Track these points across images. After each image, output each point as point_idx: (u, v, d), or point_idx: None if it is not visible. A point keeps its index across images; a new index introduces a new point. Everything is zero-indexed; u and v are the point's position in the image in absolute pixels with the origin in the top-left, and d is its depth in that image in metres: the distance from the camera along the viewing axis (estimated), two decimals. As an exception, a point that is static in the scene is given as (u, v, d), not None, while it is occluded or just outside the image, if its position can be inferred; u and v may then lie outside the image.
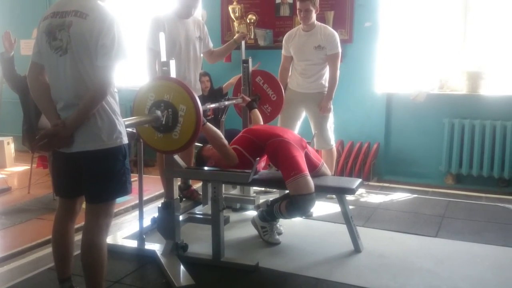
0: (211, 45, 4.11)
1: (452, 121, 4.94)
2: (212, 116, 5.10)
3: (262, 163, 3.48)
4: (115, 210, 2.57)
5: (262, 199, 4.11)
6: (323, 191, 3.35)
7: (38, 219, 4.09)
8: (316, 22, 4.29)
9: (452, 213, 4.13)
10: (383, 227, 3.80)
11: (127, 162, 2.37)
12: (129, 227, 3.81)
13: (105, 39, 2.17)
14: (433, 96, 5.01)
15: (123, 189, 2.36)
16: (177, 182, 3.35)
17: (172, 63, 3.00)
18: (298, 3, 4.20)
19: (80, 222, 2.50)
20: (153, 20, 3.71)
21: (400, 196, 4.67)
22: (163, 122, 2.80)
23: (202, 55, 4.06)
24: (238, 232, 3.65)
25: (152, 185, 4.67)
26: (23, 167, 5.77)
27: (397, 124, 5.24)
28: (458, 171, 4.99)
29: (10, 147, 6.02)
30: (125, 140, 2.34)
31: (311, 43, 4.26)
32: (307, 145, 3.50)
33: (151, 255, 3.22)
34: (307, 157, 3.34)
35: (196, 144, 3.64)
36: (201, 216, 3.67)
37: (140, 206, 3.34)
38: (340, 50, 4.31)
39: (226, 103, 3.98)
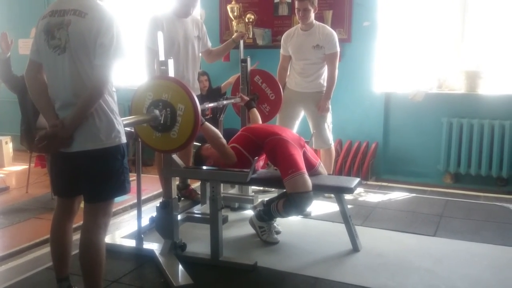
0: (209, 44, 4.11)
1: (451, 120, 4.94)
2: (211, 115, 5.09)
3: (260, 162, 3.48)
4: (113, 210, 2.57)
5: (260, 199, 4.10)
6: (322, 190, 3.35)
7: (36, 218, 4.09)
8: (314, 21, 4.29)
9: (451, 212, 4.13)
10: (381, 226, 3.80)
11: (125, 162, 2.37)
12: (127, 226, 3.81)
13: (104, 38, 2.17)
14: (431, 95, 5.01)
15: (122, 189, 2.36)
16: (176, 182, 3.34)
17: (171, 62, 3.00)
18: (296, 3, 4.20)
19: (78, 221, 2.50)
20: (151, 20, 3.70)
21: (398, 195, 4.67)
22: (161, 122, 2.79)
23: (200, 54, 4.06)
24: (236, 231, 3.65)
25: (151, 185, 4.66)
26: (21, 167, 5.76)
27: (396, 124, 5.24)
28: (457, 170, 4.99)
29: (8, 146, 6.01)
30: (124, 140, 2.34)
31: (309, 42, 4.26)
32: (306, 145, 3.50)
33: (150, 254, 3.22)
34: (305, 157, 3.35)
35: (195, 143, 3.64)
36: (200, 216, 3.67)
37: (138, 205, 3.34)
38: (338, 49, 4.31)
39: (225, 102, 3.97)
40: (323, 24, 4.42)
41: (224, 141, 3.25)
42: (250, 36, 5.47)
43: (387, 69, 5.20)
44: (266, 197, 4.01)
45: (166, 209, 3.15)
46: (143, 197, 3.68)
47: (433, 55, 5.08)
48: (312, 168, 3.42)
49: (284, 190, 3.31)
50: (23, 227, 3.90)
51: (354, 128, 5.29)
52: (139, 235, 3.33)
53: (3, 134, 6.13)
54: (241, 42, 4.27)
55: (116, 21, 2.22)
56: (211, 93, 5.24)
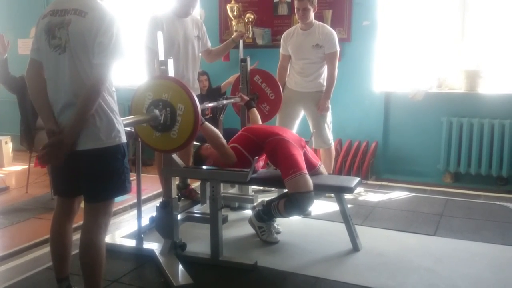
0: (209, 44, 4.11)
1: (451, 119, 4.94)
2: (210, 115, 5.09)
3: (260, 162, 3.48)
4: (113, 209, 2.57)
5: (260, 198, 4.10)
6: (322, 189, 3.35)
7: (36, 218, 4.08)
8: (314, 21, 4.29)
9: (451, 212, 4.13)
10: (381, 226, 3.80)
11: (126, 161, 2.37)
12: (127, 226, 3.80)
13: (103, 37, 2.17)
14: (431, 94, 5.01)
15: (122, 188, 2.36)
16: (176, 181, 3.34)
17: (170, 62, 3.00)
18: (296, 2, 4.20)
19: (78, 221, 2.50)
20: (151, 19, 3.70)
21: (398, 194, 4.67)
22: (161, 121, 2.79)
23: (200, 54, 4.06)
24: (236, 231, 3.65)
25: (150, 184, 4.66)
26: (21, 167, 5.76)
27: (396, 123, 5.24)
28: (457, 170, 4.99)
29: (8, 146, 6.01)
30: (124, 139, 2.33)
31: (309, 42, 4.26)
32: (306, 145, 3.49)
33: (150, 254, 3.22)
34: (306, 157, 3.34)
35: (195, 143, 3.63)
36: (200, 215, 3.67)
37: (138, 205, 3.34)
38: (338, 48, 4.31)
39: (225, 102, 3.97)
40: (322, 24, 4.42)
41: (224, 141, 3.25)
42: (250, 35, 5.47)
43: (387, 68, 5.20)
44: (266, 197, 4.01)
45: (166, 208, 3.15)
46: (143, 197, 3.68)
47: (433, 54, 5.08)
48: (313, 169, 3.41)
49: (285, 191, 3.31)
50: (23, 227, 3.90)
51: (354, 128, 5.29)
52: (139, 235, 3.33)
53: (2, 134, 6.13)
54: (241, 41, 4.26)
55: (117, 20, 2.22)
56: (211, 93, 5.24)
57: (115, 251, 3.25)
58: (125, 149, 2.34)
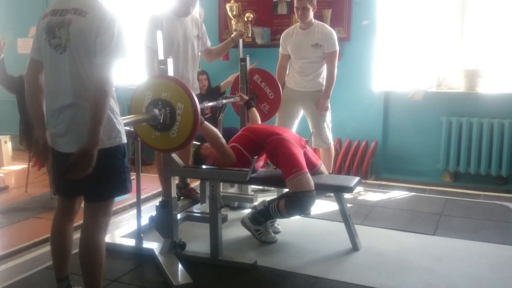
0: (209, 43, 4.11)
1: (450, 119, 4.94)
2: (210, 114, 5.09)
3: (260, 162, 3.48)
4: (113, 209, 2.57)
5: (260, 197, 4.10)
6: (321, 189, 3.35)
7: (36, 218, 4.08)
8: (313, 20, 4.29)
9: (450, 211, 4.13)
10: (381, 225, 3.80)
11: (126, 161, 2.37)
12: (127, 225, 3.80)
13: (104, 36, 2.16)
14: (430, 94, 5.01)
15: (123, 188, 2.36)
16: (175, 181, 3.34)
17: (170, 62, 2.99)
18: (295, 1, 4.20)
19: (78, 220, 2.50)
20: (151, 19, 3.70)
21: (398, 194, 4.67)
22: (161, 121, 2.79)
23: (200, 53, 4.06)
24: (236, 230, 3.65)
25: (150, 184, 4.66)
26: (20, 166, 5.76)
27: (395, 122, 5.24)
28: (456, 169, 4.99)
29: (7, 145, 6.01)
30: (124, 140, 2.33)
31: (308, 41, 4.26)
32: (306, 145, 3.49)
33: (149, 253, 3.22)
34: (306, 157, 3.34)
35: (194, 142, 3.63)
36: (199, 215, 3.67)
37: (138, 204, 3.34)
38: (337, 48, 4.31)
39: (224, 101, 3.97)
40: (322, 23, 4.42)
41: (223, 140, 3.24)
42: (249, 35, 5.47)
43: (387, 68, 5.20)
44: (265, 196, 4.01)
45: (166, 208, 3.15)
46: (142, 196, 3.68)
47: (432, 54, 5.08)
48: (313, 168, 3.41)
49: (284, 190, 3.30)
50: (22, 227, 3.90)
51: (353, 127, 5.29)
52: (139, 234, 3.33)
53: (2, 134, 6.13)
54: (240, 41, 4.26)
55: (117, 19, 2.21)
56: (211, 92, 5.24)
57: (114, 250, 3.24)
58: (125, 149, 2.34)
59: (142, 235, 3.35)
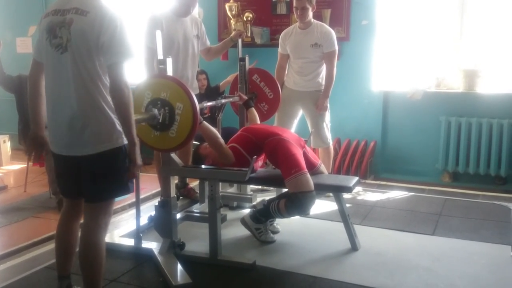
0: (208, 43, 4.11)
1: (449, 119, 4.94)
2: (209, 114, 5.10)
3: (259, 162, 3.48)
4: (113, 209, 2.57)
5: (259, 197, 4.10)
6: (320, 189, 3.35)
7: (35, 217, 4.08)
8: (312, 20, 4.29)
9: (449, 211, 4.13)
10: (380, 225, 3.80)
11: (127, 161, 2.36)
12: (126, 225, 3.80)
13: (107, 36, 2.16)
14: (430, 94, 5.01)
15: (124, 188, 2.36)
16: (174, 181, 3.34)
17: (169, 61, 2.99)
18: (294, 1, 4.20)
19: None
20: (150, 19, 3.70)
21: (397, 194, 4.68)
22: (160, 120, 2.79)
23: (199, 52, 4.06)
24: (235, 230, 3.65)
25: (149, 184, 4.65)
26: (19, 165, 5.75)
27: (394, 122, 5.24)
28: (455, 169, 4.99)
29: (6, 145, 6.00)
30: (125, 141, 2.32)
31: (307, 41, 4.26)
32: (305, 145, 3.49)
33: (148, 253, 3.22)
34: (305, 157, 3.34)
35: (194, 142, 3.64)
36: (198, 215, 3.66)
37: (137, 204, 3.33)
38: (336, 48, 4.31)
39: (223, 101, 3.97)
40: (321, 23, 4.42)
41: (222, 141, 3.24)
42: (249, 34, 5.47)
43: (386, 67, 5.20)
44: (264, 196, 4.01)
45: (165, 208, 3.15)
46: (141, 196, 3.68)
47: (432, 53, 5.08)
48: (313, 168, 3.42)
49: (283, 190, 3.30)
50: (21, 226, 3.90)
51: (352, 127, 5.29)
52: (138, 234, 3.33)
53: (1, 133, 6.12)
54: (239, 40, 4.26)
55: (119, 19, 2.21)
56: (210, 92, 5.24)
57: (114, 250, 3.24)
58: (126, 149, 2.34)
59: (141, 235, 3.35)
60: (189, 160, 3.88)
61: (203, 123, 3.11)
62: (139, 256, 3.24)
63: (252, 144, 3.33)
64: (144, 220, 3.45)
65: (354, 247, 3.31)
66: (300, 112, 4.50)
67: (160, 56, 3.02)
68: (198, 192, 4.00)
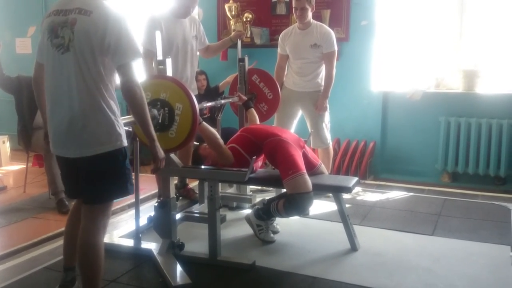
0: (207, 42, 4.12)
1: (448, 119, 4.94)
2: (209, 114, 5.10)
3: (259, 162, 3.48)
4: (112, 209, 2.57)
5: (258, 198, 4.10)
6: (320, 189, 3.35)
7: (34, 218, 4.08)
8: (312, 20, 4.29)
9: (448, 211, 4.13)
10: (379, 226, 3.80)
11: (127, 163, 2.36)
12: (125, 226, 3.80)
13: (111, 37, 2.16)
14: (429, 94, 5.01)
15: (124, 190, 2.36)
16: (174, 181, 3.34)
17: (169, 62, 2.99)
18: (294, 2, 4.20)
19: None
20: (149, 20, 3.69)
21: (396, 194, 4.68)
22: (160, 121, 2.79)
23: (198, 52, 4.06)
24: (234, 231, 3.65)
25: (148, 184, 4.65)
26: (18, 166, 5.75)
27: (394, 123, 5.24)
28: (454, 169, 4.99)
29: (5, 146, 6.00)
30: (125, 143, 2.32)
31: (307, 41, 4.26)
32: (305, 145, 3.49)
33: (148, 254, 3.22)
34: (305, 157, 3.34)
35: (194, 143, 3.63)
36: (198, 215, 3.66)
37: (136, 205, 3.33)
38: (336, 48, 4.31)
39: (223, 101, 3.97)
40: (320, 23, 4.42)
41: (221, 141, 3.24)
42: (248, 35, 5.47)
43: (385, 68, 5.20)
44: (264, 197, 4.01)
45: (164, 208, 3.15)
46: (141, 197, 3.68)
47: (431, 54, 5.08)
48: (313, 168, 3.42)
49: (283, 191, 3.30)
50: (20, 227, 3.89)
51: (352, 127, 5.29)
52: (137, 235, 3.33)
53: (0, 134, 6.12)
54: (239, 41, 4.27)
55: (123, 19, 2.22)
56: (209, 92, 5.24)
57: (113, 251, 3.24)
58: (126, 151, 2.34)
59: (140, 235, 3.34)
60: (189, 161, 3.87)
61: (202, 123, 3.11)
62: (139, 257, 3.24)
63: (252, 145, 3.33)
64: (143, 221, 3.44)
65: (353, 248, 3.31)
66: (300, 113, 4.50)
67: (159, 56, 3.01)
68: (197, 192, 4.00)
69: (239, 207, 4.16)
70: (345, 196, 3.71)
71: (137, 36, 2.32)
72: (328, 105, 4.37)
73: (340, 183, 3.37)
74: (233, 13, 5.51)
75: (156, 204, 3.20)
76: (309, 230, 3.71)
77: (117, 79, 2.28)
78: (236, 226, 3.74)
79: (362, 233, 3.50)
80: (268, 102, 4.29)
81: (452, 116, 4.93)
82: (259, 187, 4.47)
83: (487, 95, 4.81)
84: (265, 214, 3.39)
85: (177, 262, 3.06)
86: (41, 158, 4.85)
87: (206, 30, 4.09)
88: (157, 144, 2.39)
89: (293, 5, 4.22)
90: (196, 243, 3.35)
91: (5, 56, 4.24)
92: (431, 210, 4.16)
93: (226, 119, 4.57)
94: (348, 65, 5.11)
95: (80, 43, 2.17)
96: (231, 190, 4.38)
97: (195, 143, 3.70)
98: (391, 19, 5.15)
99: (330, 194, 3.81)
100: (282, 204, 3.19)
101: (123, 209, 4.21)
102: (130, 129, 2.97)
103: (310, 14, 4.22)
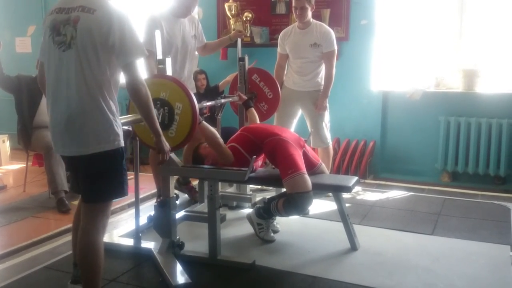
0: (205, 41, 4.12)
1: (448, 119, 4.94)
2: (209, 114, 5.09)
3: (259, 161, 3.47)
4: (111, 209, 2.57)
5: (258, 197, 4.10)
6: (320, 189, 3.35)
7: (34, 217, 4.08)
8: (311, 19, 4.29)
9: (448, 211, 4.14)
10: (379, 225, 3.80)
11: (124, 163, 2.37)
12: (125, 225, 3.80)
13: (116, 36, 2.16)
14: (429, 94, 5.02)
15: (120, 190, 2.36)
16: (173, 180, 3.34)
17: (168, 61, 2.99)
18: (293, 1, 4.20)
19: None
20: (149, 20, 3.68)
21: (396, 194, 4.68)
22: (159, 120, 2.78)
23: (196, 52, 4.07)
24: (234, 230, 3.65)
25: (148, 183, 4.65)
26: (18, 165, 5.75)
27: (393, 122, 5.25)
28: (454, 169, 5.00)
29: (5, 145, 6.00)
30: (122, 143, 2.32)
31: (306, 40, 4.26)
32: (305, 144, 3.49)
33: (148, 253, 3.22)
34: (305, 156, 3.34)
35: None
36: (198, 214, 3.66)
37: (136, 204, 3.33)
38: (336, 47, 4.31)
39: (223, 101, 3.97)
40: (320, 23, 4.42)
41: (221, 140, 3.24)
42: (248, 34, 5.47)
43: (385, 67, 5.21)
44: (264, 196, 4.01)
45: (164, 207, 3.14)
46: (140, 196, 3.68)
47: (431, 53, 5.09)
48: (313, 168, 3.41)
49: (283, 190, 3.30)
50: (20, 226, 3.90)
51: (352, 127, 5.30)
52: (137, 234, 3.33)
53: (0, 133, 6.12)
54: (239, 40, 4.27)
55: (126, 17, 2.22)
56: (209, 92, 5.24)
57: (113, 250, 3.24)
58: (123, 151, 2.34)
59: (140, 234, 3.34)
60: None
61: (202, 123, 3.11)
62: (139, 256, 3.24)
63: (252, 144, 3.33)
64: (143, 220, 3.44)
65: (353, 247, 3.31)
66: (300, 112, 4.50)
67: (159, 56, 3.01)
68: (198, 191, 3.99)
69: (239, 207, 4.16)
70: (345, 195, 3.71)
71: (140, 34, 2.31)
72: (328, 105, 4.37)
73: (340, 182, 3.37)
74: (233, 12, 5.51)
75: (156, 204, 3.20)
76: (309, 229, 3.71)
77: (121, 78, 2.29)
78: (236, 225, 3.74)
79: (362, 232, 3.50)
80: (268, 102, 4.29)
81: (452, 116, 4.93)
82: (259, 187, 4.47)
83: (487, 95, 4.81)
84: (266, 213, 3.39)
85: (177, 262, 3.06)
86: (41, 157, 4.86)
87: (205, 29, 4.09)
88: (163, 139, 2.49)
89: (293, 4, 4.22)
90: (196, 243, 3.35)
91: (5, 56, 4.24)
92: (431, 210, 4.17)
93: (226, 118, 4.56)
94: (348, 64, 5.12)
95: (82, 41, 2.17)
96: (231, 189, 4.38)
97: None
98: (391, 19, 5.16)
99: (330, 194, 3.81)
100: (282, 203, 3.19)
101: (123, 209, 4.21)
102: (130, 129, 2.97)
103: (310, 13, 4.22)
